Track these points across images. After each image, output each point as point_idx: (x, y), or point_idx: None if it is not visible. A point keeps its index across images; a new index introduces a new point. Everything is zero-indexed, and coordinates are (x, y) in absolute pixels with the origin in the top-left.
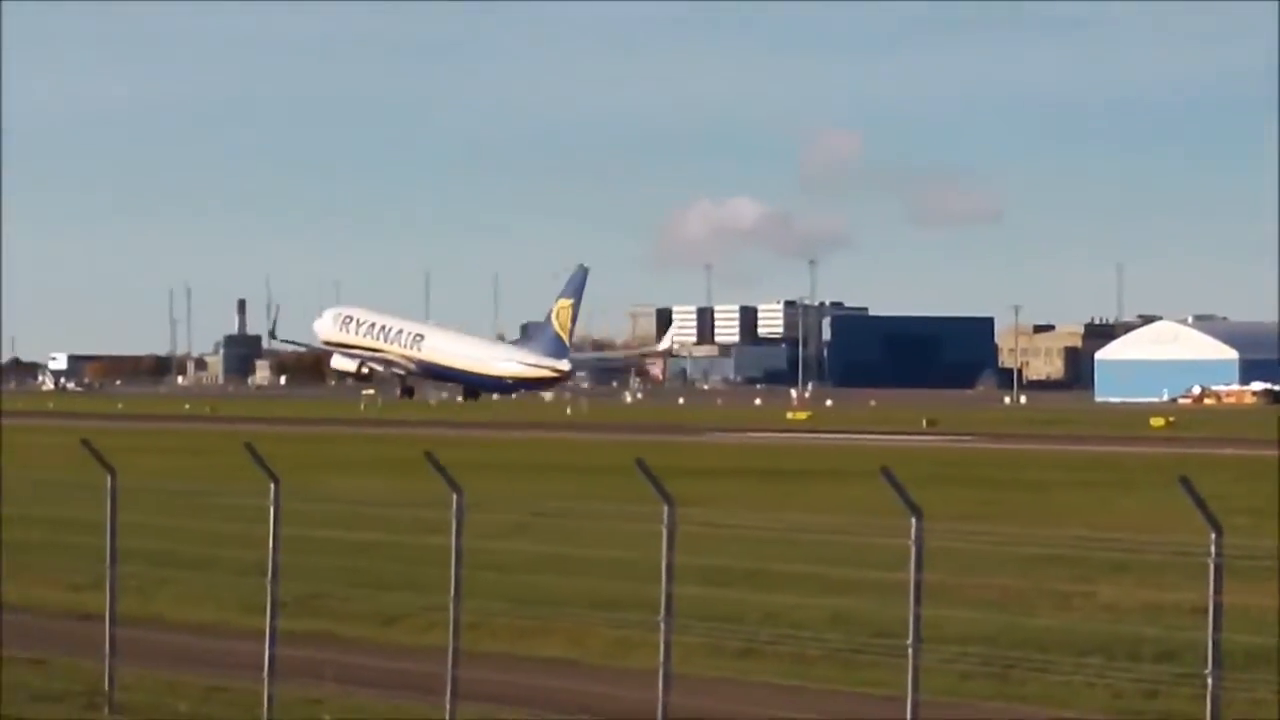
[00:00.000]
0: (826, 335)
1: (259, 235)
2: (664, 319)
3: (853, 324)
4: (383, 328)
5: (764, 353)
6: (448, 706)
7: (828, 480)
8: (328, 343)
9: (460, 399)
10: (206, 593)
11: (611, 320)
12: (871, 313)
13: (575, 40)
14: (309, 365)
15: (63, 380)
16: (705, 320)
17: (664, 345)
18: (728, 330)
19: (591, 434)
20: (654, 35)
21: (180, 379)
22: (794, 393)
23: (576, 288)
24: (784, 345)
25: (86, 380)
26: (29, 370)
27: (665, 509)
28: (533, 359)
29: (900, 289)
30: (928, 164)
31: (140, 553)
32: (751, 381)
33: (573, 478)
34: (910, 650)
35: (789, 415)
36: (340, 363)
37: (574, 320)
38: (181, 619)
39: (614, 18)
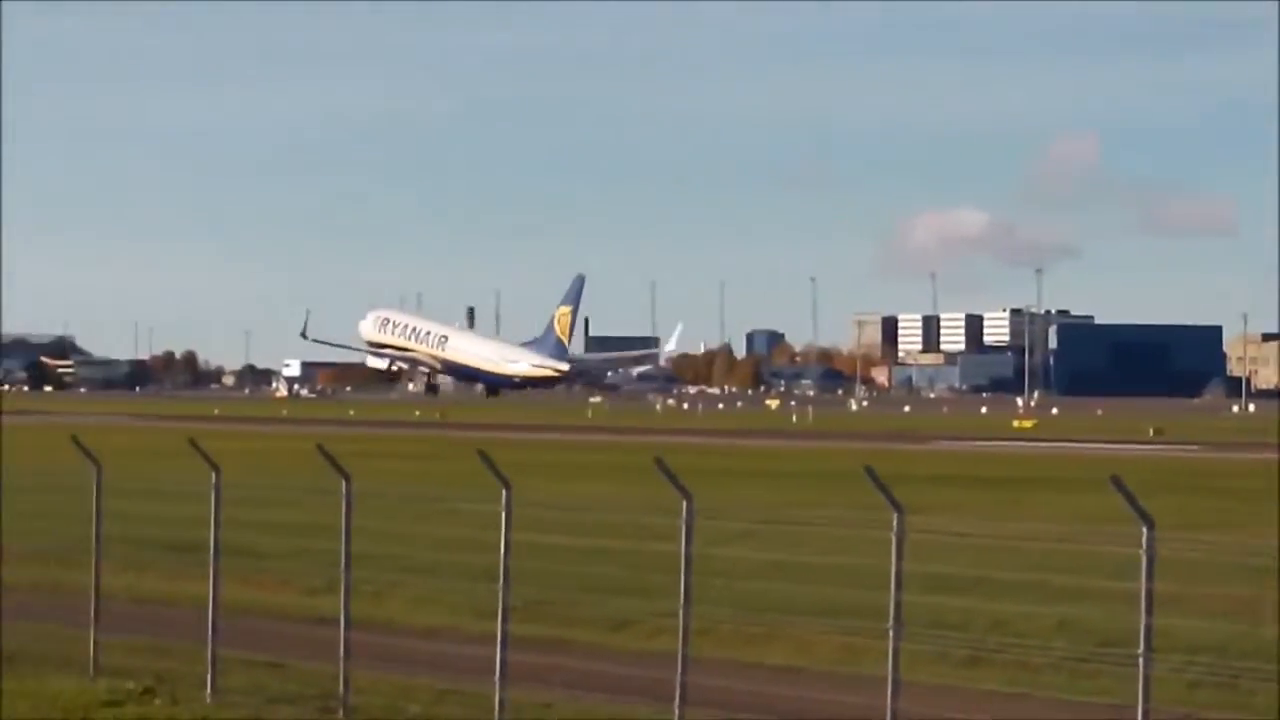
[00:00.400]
0: (1053, 343)
1: (486, 245)
2: (889, 327)
3: (1079, 332)
4: (413, 329)
5: (990, 361)
6: (676, 712)
7: (1053, 489)
8: (370, 343)
9: (485, 395)
10: (438, 597)
11: (837, 328)
12: (1098, 321)
13: (805, 49)
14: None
15: (296, 386)
16: (931, 328)
17: (669, 349)
18: (953, 338)
19: (817, 441)
20: (880, 44)
21: (410, 386)
22: (1020, 401)
23: (575, 295)
24: (1010, 353)
25: (319, 387)
26: (264, 377)
27: (894, 516)
28: (537, 360)
29: (1127, 297)
30: (1160, 173)
31: (373, 557)
32: (977, 390)
33: (800, 484)
34: (1140, 660)
35: (1014, 424)
36: (373, 362)
37: (573, 325)
38: (413, 623)
39: (839, 28)
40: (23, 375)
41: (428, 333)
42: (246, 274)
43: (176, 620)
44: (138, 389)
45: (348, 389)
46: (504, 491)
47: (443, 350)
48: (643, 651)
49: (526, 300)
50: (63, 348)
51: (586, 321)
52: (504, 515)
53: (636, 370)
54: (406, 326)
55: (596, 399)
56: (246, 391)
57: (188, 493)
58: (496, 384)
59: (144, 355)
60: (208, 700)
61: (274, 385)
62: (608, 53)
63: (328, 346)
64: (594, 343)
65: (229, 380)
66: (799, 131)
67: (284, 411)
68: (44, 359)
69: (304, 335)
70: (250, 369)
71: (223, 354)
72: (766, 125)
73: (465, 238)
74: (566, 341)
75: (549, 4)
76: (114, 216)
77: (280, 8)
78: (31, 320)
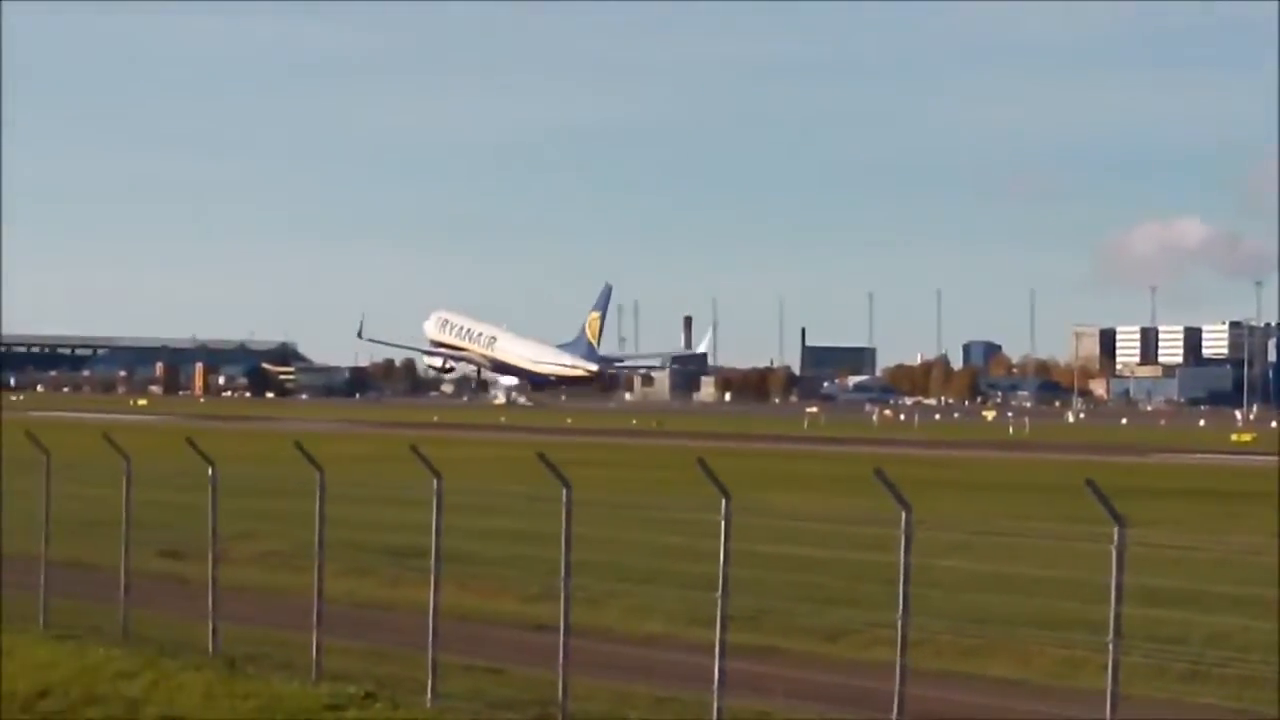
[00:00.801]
0: (1272, 356)
1: (705, 254)
2: (1107, 339)
3: None
4: (467, 330)
5: (1208, 373)
6: None
7: (1272, 503)
8: (434, 342)
9: (526, 396)
10: (655, 605)
11: (1055, 339)
12: None
13: (1029, 60)
14: (754, 383)
15: (514, 395)
16: (1149, 340)
17: (701, 348)
18: (1172, 351)
19: (1035, 453)
20: (1102, 55)
21: (627, 395)
22: (1238, 414)
23: (603, 302)
24: (1228, 366)
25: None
26: (482, 384)
27: (1115, 529)
28: (569, 360)
29: None
30: None
31: (591, 565)
32: (1195, 402)
33: (1017, 496)
34: None
35: (1233, 437)
36: (430, 360)
37: (601, 329)
38: (630, 630)
39: (1062, 39)
40: (245, 381)
41: (479, 333)
42: (468, 282)
43: (396, 625)
44: (357, 395)
45: (562, 398)
46: (723, 501)
47: (491, 350)
48: (858, 661)
49: (737, 308)
50: (284, 354)
51: (803, 332)
52: (723, 524)
53: (853, 381)
54: (461, 327)
55: (813, 410)
56: (465, 399)
57: (408, 499)
58: (533, 380)
59: (364, 362)
60: (428, 705)
61: (492, 393)
62: (827, 61)
63: (384, 346)
64: (810, 353)
65: (448, 388)
66: (1019, 142)
67: (502, 419)
68: (266, 365)
69: (359, 335)
70: (464, 378)
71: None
72: (987, 135)
73: (681, 246)
74: (595, 344)
75: (774, 10)
76: (339, 224)
77: (486, 9)
78: (254, 327)
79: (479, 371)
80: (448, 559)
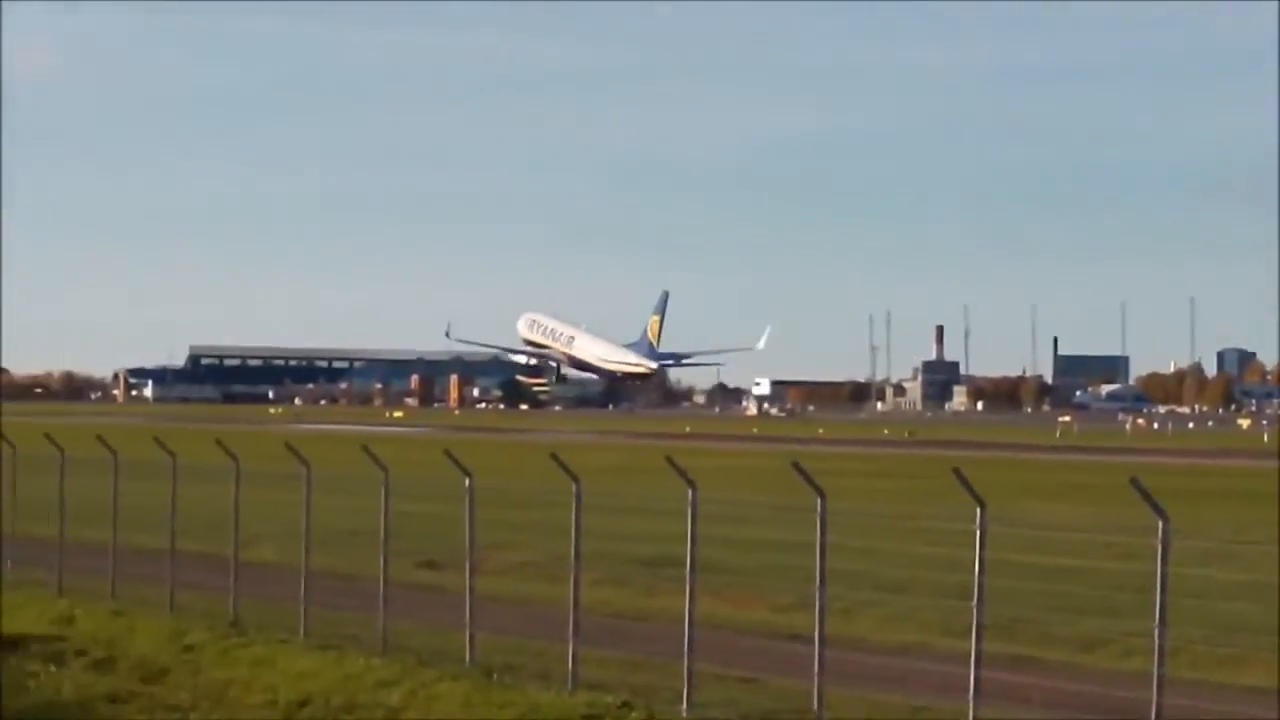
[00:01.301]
0: None
1: (957, 262)
2: None
3: None
4: (551, 330)
5: None
6: None
7: None
8: (526, 340)
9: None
10: (908, 614)
11: None
12: None
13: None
14: (1006, 392)
15: (765, 405)
16: None
17: (759, 347)
18: None
19: None
20: None
21: (879, 404)
22: None
23: (661, 307)
24: None
25: (788, 405)
26: (734, 395)
27: None
28: (633, 359)
29: None
30: None
31: (844, 574)
32: None
33: (1273, 505)
34: None
35: None
36: (518, 357)
37: (660, 331)
38: (884, 640)
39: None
40: (499, 393)
41: (561, 333)
42: (721, 292)
43: (651, 635)
44: (610, 407)
45: (809, 408)
46: (977, 510)
47: (570, 348)
48: (1114, 671)
49: (990, 317)
50: (539, 366)
51: (1055, 341)
52: (978, 533)
53: (1105, 389)
54: (547, 327)
55: (1065, 418)
56: (717, 410)
57: (662, 509)
58: (604, 376)
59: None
60: (684, 715)
61: (744, 404)
62: (1073, 66)
63: (473, 346)
64: (1062, 361)
65: (700, 399)
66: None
67: (754, 429)
68: (520, 377)
69: (447, 335)
70: (721, 388)
71: (694, 373)
72: (1239, 141)
73: (933, 254)
74: (655, 344)
75: (995, 14)
76: (588, 236)
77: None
78: (508, 338)
79: (558, 366)
80: (701, 568)
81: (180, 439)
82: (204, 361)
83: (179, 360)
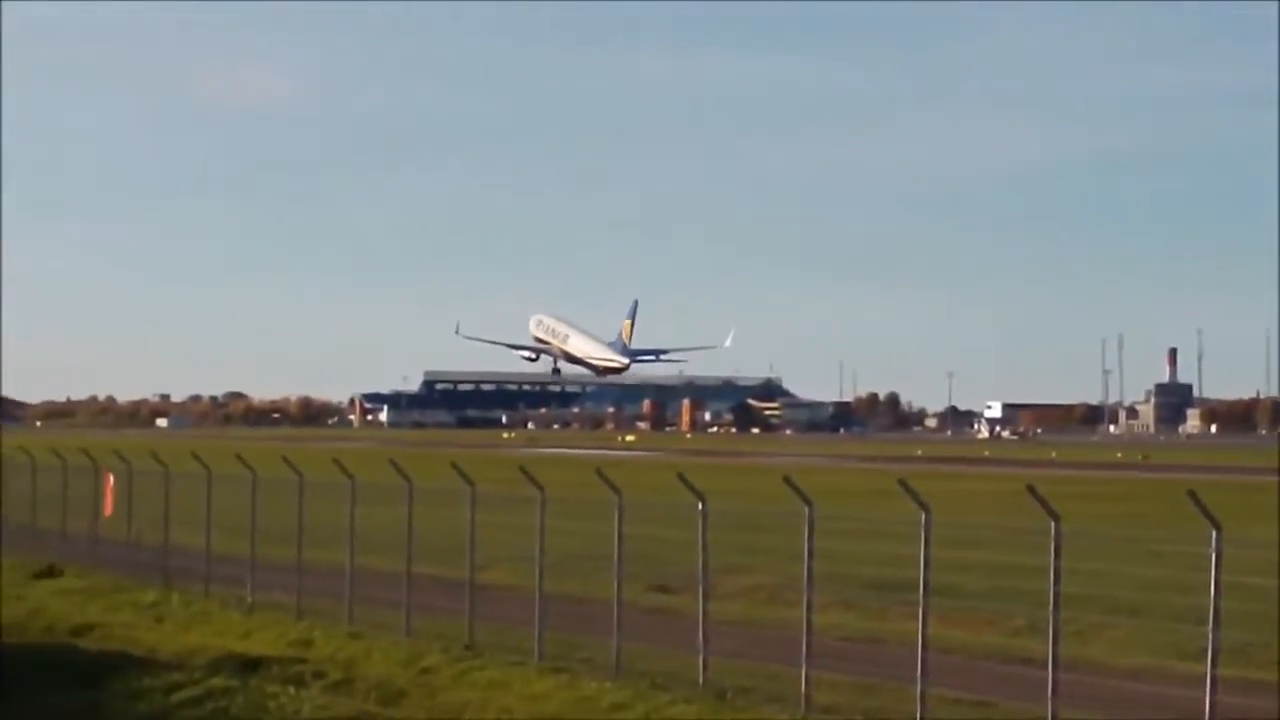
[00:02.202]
0: None
1: (1190, 284)
2: None
3: None
4: (552, 328)
5: None
6: None
7: None
8: (535, 338)
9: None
10: (1142, 638)
11: None
12: None
13: None
14: (1240, 414)
15: (998, 428)
16: None
17: (726, 344)
18: None
19: None
20: None
21: (1112, 428)
22: None
23: (632, 313)
24: None
25: (1020, 428)
26: (965, 419)
27: None
28: (610, 355)
29: None
30: None
31: (1077, 598)
32: None
33: None
34: None
35: None
36: (521, 353)
37: (632, 332)
38: (1118, 664)
39: None
40: (730, 417)
41: (560, 331)
42: (949, 315)
43: (883, 658)
44: (841, 430)
45: (1036, 431)
46: (1213, 533)
47: (565, 345)
48: None
49: (1224, 339)
50: (769, 390)
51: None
52: (1213, 556)
53: None
54: (549, 326)
55: None
56: (948, 433)
57: (894, 532)
58: (591, 369)
59: (848, 397)
60: None
61: (975, 427)
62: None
63: (483, 344)
64: None
65: (931, 422)
66: None
67: (986, 453)
68: (751, 401)
69: (456, 332)
70: (952, 411)
71: (925, 396)
72: None
73: (1167, 280)
74: (628, 343)
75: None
76: (820, 257)
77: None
78: (740, 363)
79: (555, 361)
80: (934, 592)
81: (415, 463)
82: (438, 386)
83: (414, 385)
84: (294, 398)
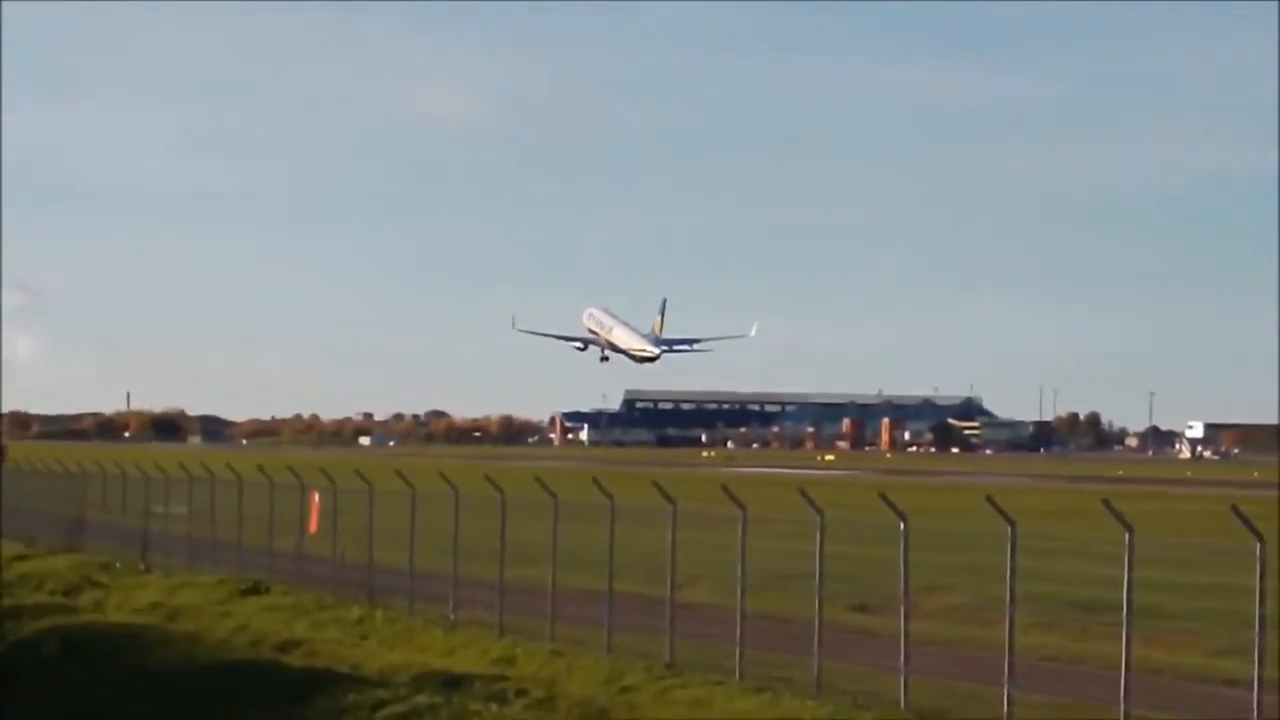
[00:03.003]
0: None
1: None
2: None
3: None
4: (601, 321)
5: None
6: None
7: None
8: (588, 329)
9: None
10: None
11: None
12: None
13: None
14: None
15: (1199, 448)
16: None
17: (752, 333)
18: None
19: None
20: None
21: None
22: None
23: (661, 309)
24: None
25: (1222, 448)
26: (1166, 438)
27: None
28: (645, 345)
29: None
30: None
31: None
32: None
33: None
34: None
35: None
36: (572, 345)
37: (662, 326)
38: None
39: None
40: (929, 436)
41: (606, 324)
42: (1150, 333)
43: (1085, 678)
44: (1042, 450)
45: (1234, 450)
46: None
47: (611, 336)
48: None
49: None
50: (969, 409)
51: None
52: None
53: None
54: (598, 319)
55: None
56: (1150, 453)
57: (1095, 552)
58: (632, 357)
59: (1048, 416)
60: None
61: (1177, 447)
62: None
63: (538, 336)
64: None
65: (1132, 442)
66: None
67: (1188, 473)
68: (951, 420)
69: (513, 326)
70: (1154, 430)
71: (1126, 415)
72: None
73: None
74: (659, 334)
75: None
76: (1021, 274)
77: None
78: (939, 382)
79: (603, 350)
80: (1136, 612)
81: (616, 481)
82: (639, 405)
83: (614, 404)
84: (495, 416)
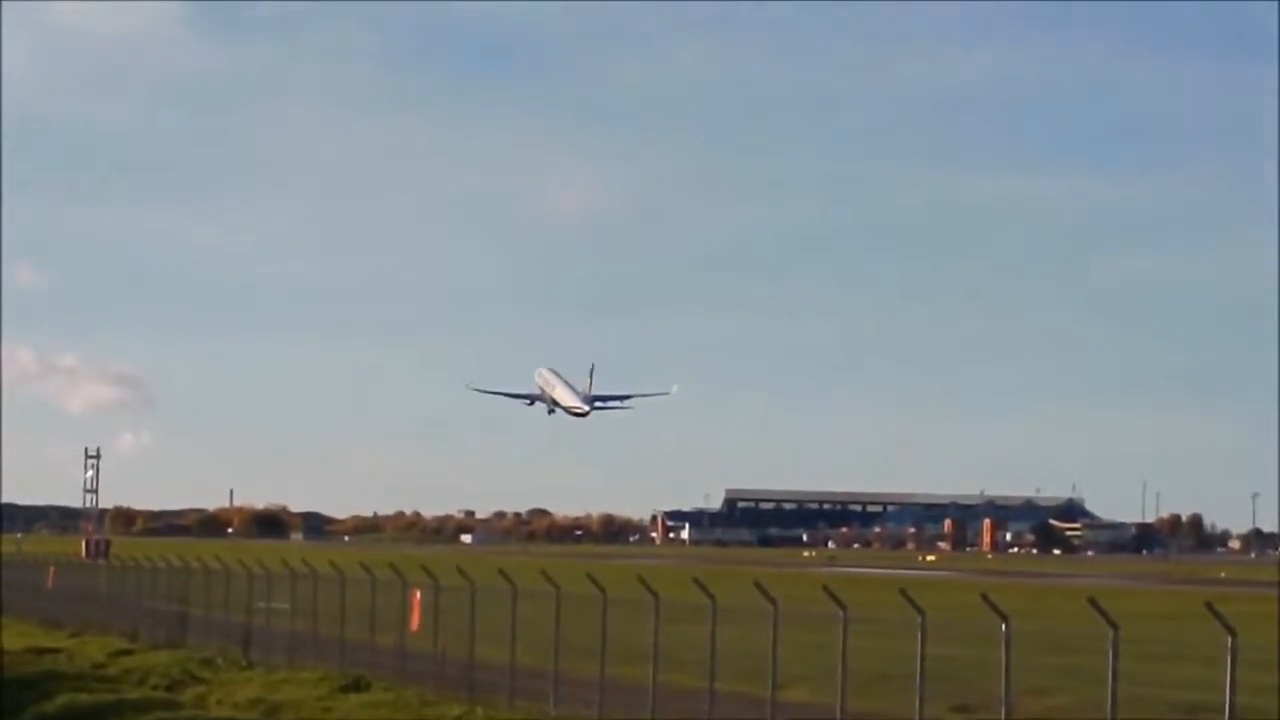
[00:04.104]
0: None
1: None
2: None
3: None
4: (548, 379)
5: None
6: None
7: None
8: (539, 387)
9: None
10: None
11: None
12: None
13: None
14: None
15: None
16: None
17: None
18: None
19: None
20: None
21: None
22: None
23: (590, 374)
24: None
25: None
26: (1269, 541)
27: None
28: (576, 403)
29: None
30: None
31: None
32: None
33: None
34: None
35: None
36: (519, 401)
37: (591, 386)
38: None
39: None
40: (1031, 537)
41: (552, 382)
42: (1254, 435)
43: None
44: (1144, 552)
45: None
46: None
47: (554, 393)
48: None
49: None
50: (1071, 510)
51: None
52: None
53: None
54: (546, 378)
55: None
56: (1252, 555)
57: (1199, 655)
58: (566, 411)
59: (1150, 518)
60: None
61: None
62: None
63: (490, 395)
64: None
65: (1235, 544)
66: None
67: None
68: (1053, 521)
69: (468, 386)
70: (1256, 533)
71: (1229, 517)
72: None
73: None
74: (589, 393)
75: None
76: (1124, 376)
77: None
78: (1040, 482)
79: (548, 405)
80: (1237, 716)
81: (717, 581)
82: (740, 505)
83: (716, 503)
84: (596, 515)
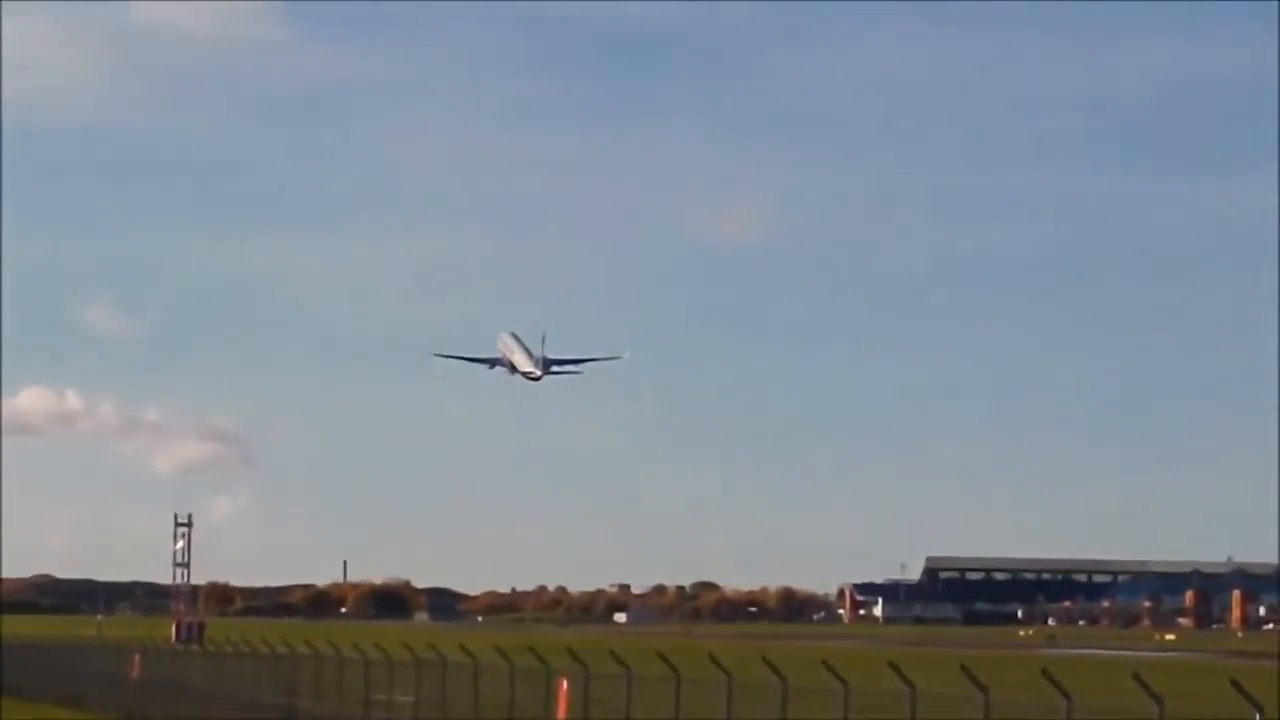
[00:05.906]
0: None
1: None
2: None
3: None
4: (507, 344)
5: None
6: None
7: None
8: (500, 351)
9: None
10: None
11: None
12: None
13: None
14: None
15: None
16: None
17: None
18: None
19: None
20: None
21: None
22: None
23: (541, 341)
24: None
25: None
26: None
27: None
28: (530, 367)
29: None
30: None
31: None
32: None
33: None
34: None
35: None
36: (479, 365)
37: (543, 350)
38: None
39: None
40: None
41: (512, 346)
42: None
43: None
44: None
45: None
46: None
47: (513, 357)
48: None
49: None
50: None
51: None
52: None
53: None
54: (505, 342)
55: None
56: None
57: None
58: (525, 376)
59: None
60: None
61: None
62: None
63: (457, 359)
64: None
65: None
66: None
67: None
68: None
69: (436, 354)
70: None
71: None
72: None
73: None
74: (540, 355)
75: None
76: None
77: None
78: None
79: (509, 369)
80: None
81: (917, 665)
82: (942, 575)
83: (914, 574)
84: (773, 588)
